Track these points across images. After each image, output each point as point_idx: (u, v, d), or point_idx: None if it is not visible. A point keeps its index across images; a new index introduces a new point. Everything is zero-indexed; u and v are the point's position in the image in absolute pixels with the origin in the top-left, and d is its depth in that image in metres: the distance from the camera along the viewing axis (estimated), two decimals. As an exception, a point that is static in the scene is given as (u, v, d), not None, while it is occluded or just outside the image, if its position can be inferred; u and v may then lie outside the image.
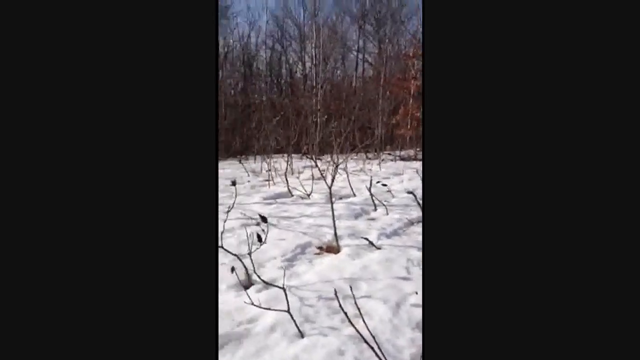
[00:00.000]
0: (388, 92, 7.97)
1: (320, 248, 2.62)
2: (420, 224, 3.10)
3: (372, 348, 1.02)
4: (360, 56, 11.36)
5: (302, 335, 1.59)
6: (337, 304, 1.77)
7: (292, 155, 6.34)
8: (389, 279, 2.08)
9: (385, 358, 1.02)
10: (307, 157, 6.24)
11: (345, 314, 1.11)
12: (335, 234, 2.62)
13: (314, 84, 7.83)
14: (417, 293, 1.93)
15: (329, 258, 2.43)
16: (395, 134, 8.05)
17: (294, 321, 1.61)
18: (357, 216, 3.31)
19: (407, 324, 1.65)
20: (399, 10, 11.26)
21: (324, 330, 1.62)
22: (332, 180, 2.78)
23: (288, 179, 4.66)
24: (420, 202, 3.31)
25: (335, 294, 1.27)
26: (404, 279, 2.10)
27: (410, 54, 8.26)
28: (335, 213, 3.07)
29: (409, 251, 2.48)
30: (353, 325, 1.10)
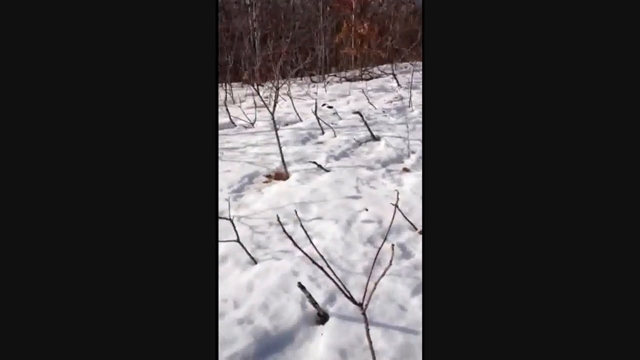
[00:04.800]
0: (328, 8, 7.41)
1: (268, 176, 2.53)
2: (368, 143, 3.09)
3: (321, 268, 1.00)
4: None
5: (254, 261, 1.56)
6: (290, 228, 1.75)
7: (232, 83, 5.90)
8: (339, 200, 2.08)
9: (334, 274, 1.01)
10: (247, 85, 5.83)
11: (290, 237, 1.06)
12: (283, 160, 2.53)
13: (248, 2, 7.03)
14: (367, 210, 1.95)
15: (278, 185, 2.37)
16: (339, 54, 7.70)
17: (245, 249, 1.57)
18: (304, 141, 3.22)
19: (359, 240, 1.69)
20: None
21: (277, 255, 1.60)
22: (274, 106, 2.61)
23: (229, 108, 4.36)
24: (367, 121, 3.28)
25: (278, 218, 1.21)
26: (354, 197, 2.11)
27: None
28: (282, 139, 2.94)
29: (358, 171, 2.48)
30: (299, 248, 1.06)
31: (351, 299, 1.00)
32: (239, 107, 4.71)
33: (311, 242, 1.13)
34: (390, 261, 1.02)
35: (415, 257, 1.55)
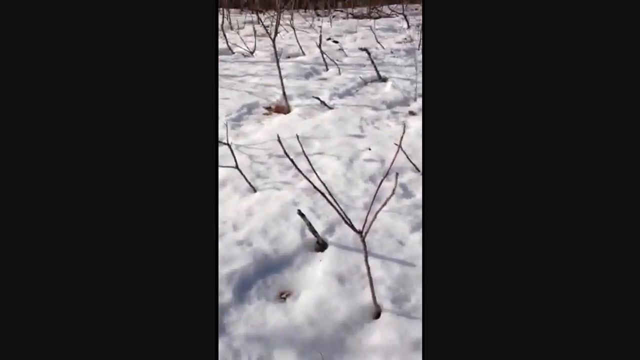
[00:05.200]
0: None
1: (268, 108, 2.44)
2: (374, 83, 2.97)
3: (324, 195, 0.98)
4: None
5: (254, 190, 1.54)
6: (290, 161, 1.71)
7: (230, 9, 5.50)
8: (341, 137, 2.03)
9: (337, 204, 0.99)
10: (247, 11, 5.44)
11: (295, 165, 1.03)
12: (284, 93, 2.42)
13: None
14: (370, 149, 1.92)
15: (279, 118, 2.29)
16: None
17: (244, 176, 1.54)
18: (307, 76, 3.08)
19: (360, 177, 1.67)
20: None
21: (277, 185, 1.58)
22: (275, 33, 2.43)
23: (226, 34, 4.10)
24: (374, 60, 3.12)
25: (279, 140, 1.17)
26: (357, 136, 2.06)
27: None
28: (284, 72, 2.80)
29: (362, 110, 2.40)
30: (305, 177, 1.03)
31: (351, 225, 0.99)
32: (237, 33, 4.43)
33: (314, 171, 1.10)
34: (394, 190, 1.00)
35: (416, 197, 1.55)
